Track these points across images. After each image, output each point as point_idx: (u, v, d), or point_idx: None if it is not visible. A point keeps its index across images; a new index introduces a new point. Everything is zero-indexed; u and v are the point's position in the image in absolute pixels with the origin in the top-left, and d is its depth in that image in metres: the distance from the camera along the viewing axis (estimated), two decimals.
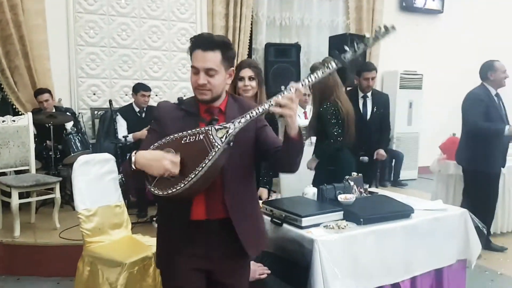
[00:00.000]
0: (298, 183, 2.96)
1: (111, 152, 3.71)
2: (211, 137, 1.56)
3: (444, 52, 7.69)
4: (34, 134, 4.38)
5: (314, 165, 3.40)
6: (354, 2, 6.94)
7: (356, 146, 3.71)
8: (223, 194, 1.69)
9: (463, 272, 2.75)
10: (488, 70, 4.09)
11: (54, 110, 4.73)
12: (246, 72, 2.72)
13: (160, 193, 1.55)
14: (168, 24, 5.89)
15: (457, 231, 2.66)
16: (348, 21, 6.98)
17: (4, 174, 4.20)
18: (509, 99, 4.98)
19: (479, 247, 2.72)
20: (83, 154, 3.27)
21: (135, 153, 1.60)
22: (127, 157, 1.65)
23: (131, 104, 4.96)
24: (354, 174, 2.74)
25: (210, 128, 1.58)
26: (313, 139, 3.60)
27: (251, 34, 6.30)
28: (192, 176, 1.52)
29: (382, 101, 4.19)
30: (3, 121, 4.12)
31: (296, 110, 1.54)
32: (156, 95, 5.79)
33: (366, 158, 3.86)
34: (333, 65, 1.62)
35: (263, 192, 2.85)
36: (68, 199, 4.59)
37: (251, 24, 6.27)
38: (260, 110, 1.58)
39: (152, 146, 1.63)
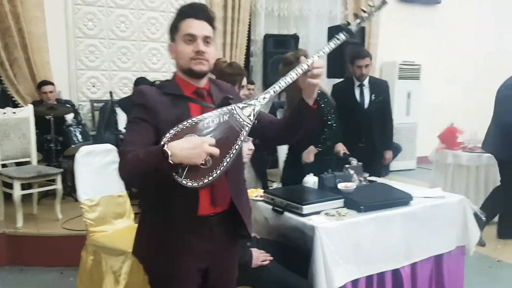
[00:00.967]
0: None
1: (112, 143, 3.71)
2: (237, 116, 1.48)
3: (442, 42, 7.70)
4: (35, 126, 4.39)
5: (312, 157, 3.37)
6: None
7: (356, 138, 3.71)
8: (227, 183, 1.59)
9: (462, 259, 2.79)
10: None
11: (55, 102, 4.74)
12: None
13: (195, 184, 1.37)
14: (166, 15, 5.88)
15: (455, 218, 2.69)
16: (346, 12, 6.98)
17: (5, 166, 4.23)
18: None
19: (477, 233, 2.76)
20: (84, 146, 3.29)
21: (166, 146, 1.34)
22: (149, 154, 1.39)
23: (130, 96, 4.98)
24: (354, 162, 2.77)
25: (234, 108, 1.49)
26: None
27: (249, 25, 6.30)
28: (228, 160, 1.41)
29: (381, 89, 3.98)
30: (4, 113, 4.13)
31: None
32: None
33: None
34: (342, 36, 1.66)
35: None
36: (69, 190, 4.62)
37: (250, 15, 6.27)
38: (283, 83, 1.54)
39: (167, 135, 1.40)
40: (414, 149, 7.44)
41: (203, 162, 1.36)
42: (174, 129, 1.42)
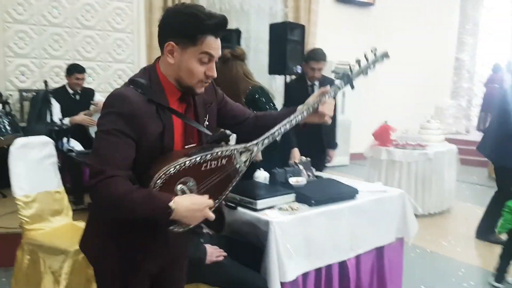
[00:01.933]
0: None
1: (45, 135, 3.50)
2: (235, 161, 1.44)
3: (374, 44, 7.97)
4: None
5: (260, 155, 3.37)
6: None
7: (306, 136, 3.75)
8: None
9: (401, 250, 2.93)
10: None
11: None
12: None
13: (181, 229, 1.35)
14: (102, 2, 5.65)
15: (396, 211, 2.82)
16: (286, 9, 7.08)
17: None
18: None
19: (415, 226, 2.91)
20: (14, 138, 3.06)
21: (172, 202, 1.26)
22: (149, 201, 1.27)
23: (64, 86, 4.70)
24: (303, 158, 2.81)
25: (233, 152, 1.43)
26: None
27: None
28: (215, 205, 1.41)
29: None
30: None
31: None
32: (90, 76, 5.54)
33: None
34: (342, 85, 1.78)
35: None
36: None
37: None
38: (284, 127, 1.55)
39: (162, 175, 1.28)
40: (348, 145, 7.72)
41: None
42: (171, 167, 1.30)
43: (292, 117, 1.57)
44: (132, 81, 1.40)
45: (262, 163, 3.15)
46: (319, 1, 7.36)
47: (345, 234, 2.49)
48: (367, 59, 1.76)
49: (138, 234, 1.44)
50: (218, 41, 1.41)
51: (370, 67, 1.78)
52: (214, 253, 2.11)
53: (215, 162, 1.39)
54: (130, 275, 1.50)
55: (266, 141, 1.51)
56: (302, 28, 6.42)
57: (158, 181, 1.28)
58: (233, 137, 1.49)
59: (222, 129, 1.47)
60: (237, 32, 6.38)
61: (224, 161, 1.41)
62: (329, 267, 2.46)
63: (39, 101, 4.31)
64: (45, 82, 4.23)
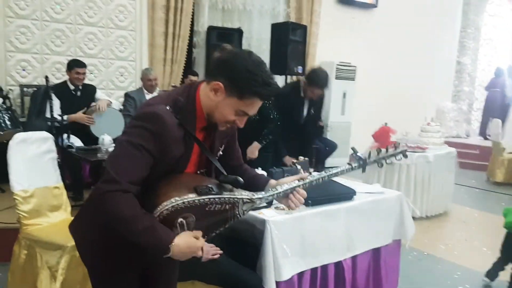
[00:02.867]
0: None
1: (44, 131, 3.51)
2: (237, 209, 1.49)
3: (377, 45, 8.05)
4: None
5: (256, 153, 3.40)
6: None
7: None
8: None
9: (397, 252, 2.94)
10: None
11: None
12: None
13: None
14: None
15: (393, 213, 2.83)
16: (288, 10, 7.09)
17: None
18: None
19: (413, 228, 2.91)
20: (14, 133, 3.07)
21: (172, 245, 1.34)
22: (151, 235, 1.33)
23: (65, 82, 4.71)
24: (301, 158, 2.82)
25: (238, 201, 1.49)
26: None
27: (193, 16, 6.20)
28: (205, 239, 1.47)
29: (317, 102, 4.10)
30: None
31: None
32: (91, 73, 5.55)
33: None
34: (355, 166, 1.80)
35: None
36: None
37: (193, 5, 6.17)
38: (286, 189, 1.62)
39: (170, 204, 1.35)
40: (348, 147, 7.70)
41: None
42: (179, 200, 1.36)
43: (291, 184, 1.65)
44: (174, 101, 1.44)
45: (255, 160, 3.19)
46: (321, 2, 7.36)
47: (342, 234, 2.50)
48: (387, 150, 1.80)
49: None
50: (260, 103, 1.48)
51: (386, 160, 1.80)
52: (210, 251, 2.11)
53: (220, 206, 1.44)
54: (119, 272, 1.53)
55: (270, 198, 1.58)
56: (304, 28, 6.45)
57: (164, 211, 1.35)
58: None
59: (235, 176, 1.49)
60: (239, 32, 6.40)
61: (227, 207, 1.46)
62: (324, 267, 2.47)
63: (39, 96, 4.32)
64: (46, 77, 4.23)
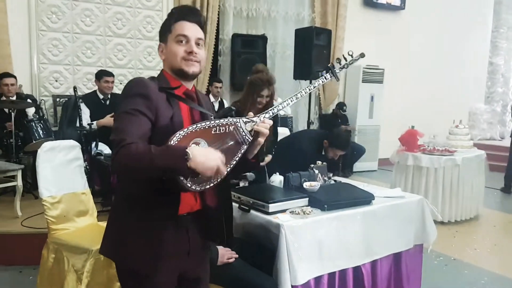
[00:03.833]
0: None
1: (75, 139, 3.64)
2: (241, 129, 1.52)
3: (404, 47, 7.94)
4: None
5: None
6: None
7: None
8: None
9: (419, 257, 2.90)
10: None
11: (15, 97, 4.60)
12: (267, 92, 3.10)
13: (198, 188, 1.41)
14: (133, 11, 5.81)
15: (414, 217, 2.79)
16: (313, 15, 7.11)
17: None
18: None
19: (435, 232, 2.87)
20: (46, 142, 3.21)
21: (189, 149, 1.34)
22: (167, 152, 1.34)
23: (95, 91, 4.88)
24: (319, 162, 2.83)
25: (238, 121, 1.52)
26: None
27: (218, 24, 6.30)
28: (228, 170, 1.46)
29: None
30: None
31: None
32: (121, 83, 5.72)
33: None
34: (328, 77, 1.87)
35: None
36: (29, 187, 4.49)
37: (218, 14, 6.27)
38: (286, 103, 1.68)
39: (177, 135, 1.38)
40: (377, 151, 7.63)
41: (213, 176, 1.39)
42: (184, 130, 1.41)
43: (294, 95, 1.74)
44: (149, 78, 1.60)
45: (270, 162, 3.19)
46: (347, 6, 7.34)
47: (359, 239, 2.49)
48: (345, 59, 1.93)
49: (158, 230, 1.50)
50: (194, 25, 1.59)
51: (348, 65, 1.93)
52: (225, 254, 2.15)
53: (223, 128, 1.49)
54: (150, 275, 1.53)
55: (267, 116, 1.60)
56: (328, 32, 6.44)
57: (174, 139, 1.38)
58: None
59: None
60: (263, 38, 6.46)
61: (231, 128, 1.51)
62: (343, 272, 2.46)
63: (69, 106, 4.50)
64: (75, 88, 4.41)
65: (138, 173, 1.40)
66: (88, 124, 4.36)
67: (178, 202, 1.50)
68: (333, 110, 7.21)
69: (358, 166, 7.25)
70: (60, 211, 2.79)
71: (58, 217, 2.77)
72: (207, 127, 1.45)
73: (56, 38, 5.34)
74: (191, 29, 1.57)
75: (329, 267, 2.36)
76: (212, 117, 1.60)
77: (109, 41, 5.71)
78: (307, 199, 2.44)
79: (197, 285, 1.71)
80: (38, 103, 4.91)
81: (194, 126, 1.43)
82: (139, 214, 1.50)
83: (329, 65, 1.86)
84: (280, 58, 7.01)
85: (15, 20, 5.05)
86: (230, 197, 1.77)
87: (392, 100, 7.77)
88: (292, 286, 2.17)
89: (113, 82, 4.83)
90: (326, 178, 2.82)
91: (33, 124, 4.40)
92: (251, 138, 1.53)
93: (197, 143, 1.42)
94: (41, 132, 4.38)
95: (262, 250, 2.27)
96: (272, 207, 2.28)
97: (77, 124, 4.33)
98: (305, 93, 1.77)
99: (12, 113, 4.32)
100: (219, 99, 6.03)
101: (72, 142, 2.98)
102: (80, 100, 4.47)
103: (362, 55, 1.99)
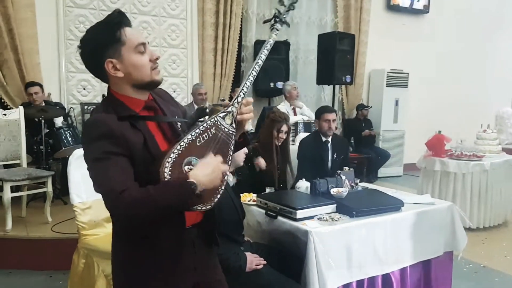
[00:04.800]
0: None
1: None
2: (223, 127, 1.44)
3: (429, 51, 7.83)
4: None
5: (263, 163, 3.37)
6: (342, 1, 7.07)
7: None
8: None
9: (449, 264, 2.85)
10: None
11: (43, 104, 4.71)
12: (286, 128, 3.33)
13: (209, 206, 1.37)
14: (158, 20, 5.90)
15: (444, 224, 2.75)
16: (336, 20, 7.08)
17: None
18: None
19: (465, 239, 2.82)
20: (75, 149, 3.28)
21: (190, 177, 1.29)
22: (169, 189, 1.28)
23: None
24: (346, 168, 2.82)
25: (216, 119, 1.45)
26: None
27: (240, 31, 6.34)
28: (227, 173, 1.41)
29: (342, 147, 3.93)
30: None
31: None
32: None
33: None
34: (279, 27, 1.68)
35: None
36: (58, 193, 4.59)
37: (241, 21, 6.31)
38: (249, 82, 1.53)
39: (167, 164, 1.30)
40: (402, 156, 7.53)
41: (222, 182, 1.36)
42: (170, 156, 1.32)
43: (252, 68, 1.55)
44: (94, 110, 1.46)
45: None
46: (370, 10, 7.29)
47: (388, 246, 2.47)
48: (283, 4, 1.72)
49: (160, 262, 1.44)
50: (134, 29, 1.43)
51: (293, 6, 1.73)
52: (254, 261, 2.16)
53: (206, 134, 1.41)
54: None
55: (239, 99, 1.49)
56: (352, 37, 6.41)
57: (166, 170, 1.30)
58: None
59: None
60: (286, 44, 6.47)
61: (213, 130, 1.43)
62: (372, 280, 2.44)
63: None
64: (103, 96, 4.47)
65: (143, 220, 1.31)
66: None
67: (183, 214, 1.45)
68: (356, 115, 7.15)
69: (382, 171, 7.17)
70: (90, 217, 2.83)
71: (89, 223, 2.82)
72: (190, 141, 1.37)
73: None
74: (140, 35, 1.43)
75: (358, 274, 2.34)
76: (187, 118, 1.52)
77: None
78: (335, 205, 2.43)
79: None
80: (67, 111, 5.01)
81: (178, 147, 1.34)
82: (144, 240, 1.41)
83: (275, 13, 1.68)
84: (303, 63, 7.01)
85: (44, 30, 5.17)
86: None
87: (417, 104, 7.66)
88: None
89: None
90: (353, 184, 2.80)
91: (62, 132, 4.51)
92: (235, 129, 1.47)
93: (189, 163, 1.34)
94: (70, 139, 4.48)
95: (290, 256, 2.27)
96: (300, 213, 2.28)
97: None
98: (265, 55, 1.59)
99: (42, 121, 4.42)
100: None
101: None
102: None
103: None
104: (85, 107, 5.42)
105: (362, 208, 2.40)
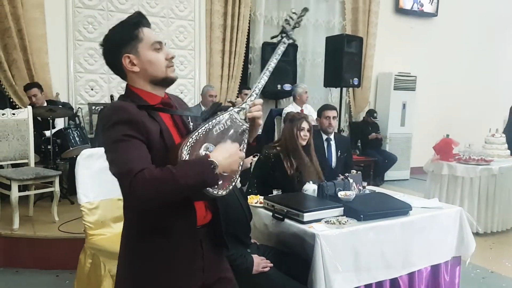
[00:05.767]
0: None
1: None
2: (237, 121, 1.50)
3: (437, 54, 7.80)
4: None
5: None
6: (350, 4, 7.04)
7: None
8: None
9: (458, 269, 2.83)
10: None
11: (45, 104, 4.72)
12: (306, 125, 3.15)
13: (224, 192, 1.38)
14: (166, 21, 5.91)
15: (452, 229, 2.73)
16: (344, 22, 7.07)
17: (1, 167, 4.21)
18: None
19: (473, 244, 2.79)
20: (83, 149, 3.29)
21: (210, 156, 1.32)
22: (189, 168, 1.29)
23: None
24: (354, 171, 2.80)
25: (232, 113, 1.51)
26: None
27: (248, 33, 6.35)
28: (241, 162, 1.45)
29: (345, 145, 3.95)
30: (3, 114, 4.11)
31: None
32: None
33: None
34: (286, 41, 1.83)
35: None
36: (65, 193, 4.60)
37: (249, 23, 6.31)
38: (263, 82, 1.65)
39: (185, 148, 1.34)
40: (409, 159, 7.50)
41: (239, 167, 1.41)
42: (189, 141, 1.36)
43: (265, 70, 1.70)
44: (117, 99, 1.53)
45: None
46: (378, 13, 7.27)
47: (396, 250, 2.45)
48: (291, 18, 1.87)
49: (170, 261, 1.45)
50: (147, 27, 1.49)
51: (298, 24, 1.87)
52: (260, 263, 2.15)
53: (222, 125, 1.46)
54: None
55: (252, 98, 1.56)
56: (360, 40, 6.39)
57: (184, 152, 1.33)
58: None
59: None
60: (294, 46, 6.46)
61: (229, 122, 1.48)
62: (379, 284, 2.43)
63: None
64: (111, 96, 4.51)
65: (163, 200, 1.31)
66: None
67: (195, 212, 1.46)
68: (364, 117, 7.13)
69: (389, 174, 7.14)
70: (97, 217, 2.84)
71: (96, 223, 2.82)
72: (207, 129, 1.42)
73: (92, 48, 5.48)
74: (156, 35, 1.50)
75: (366, 278, 2.33)
76: (200, 115, 1.56)
77: None
78: (342, 208, 2.42)
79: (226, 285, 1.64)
80: (75, 111, 5.03)
81: (196, 134, 1.39)
82: (157, 240, 1.43)
83: (282, 28, 1.79)
84: (311, 66, 7.00)
85: (53, 30, 5.20)
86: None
87: (424, 107, 7.63)
88: None
89: None
90: (361, 188, 2.79)
91: (70, 131, 4.52)
92: (248, 125, 1.52)
93: (206, 149, 1.39)
94: (78, 139, 4.50)
95: (297, 259, 2.26)
96: (307, 216, 2.27)
97: None
98: (274, 63, 1.73)
99: (50, 121, 4.44)
100: None
101: None
102: None
103: (306, 10, 1.91)
104: (93, 107, 5.45)
105: (369, 211, 2.39)
